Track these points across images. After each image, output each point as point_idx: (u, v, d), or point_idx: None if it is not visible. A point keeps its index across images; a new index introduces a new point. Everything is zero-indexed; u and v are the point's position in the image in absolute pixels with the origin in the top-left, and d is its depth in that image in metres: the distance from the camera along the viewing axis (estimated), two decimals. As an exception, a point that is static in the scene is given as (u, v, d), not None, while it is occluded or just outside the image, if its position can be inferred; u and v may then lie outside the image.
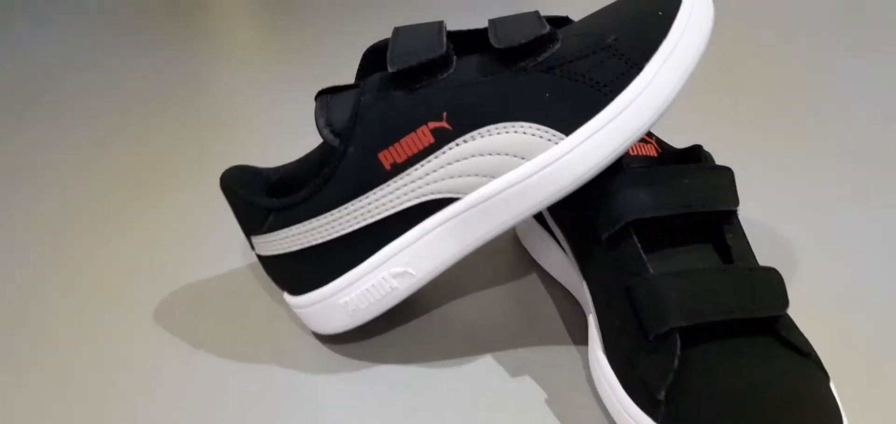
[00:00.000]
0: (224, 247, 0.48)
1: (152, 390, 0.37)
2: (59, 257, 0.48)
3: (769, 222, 0.48)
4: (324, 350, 0.39)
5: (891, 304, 0.40)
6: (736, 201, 0.35)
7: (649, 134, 0.40)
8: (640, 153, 0.39)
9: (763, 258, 0.41)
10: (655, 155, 0.39)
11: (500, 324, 0.41)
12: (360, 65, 0.37)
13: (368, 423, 0.35)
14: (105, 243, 0.49)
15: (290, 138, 0.62)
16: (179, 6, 0.95)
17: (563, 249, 0.42)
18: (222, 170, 0.47)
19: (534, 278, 0.44)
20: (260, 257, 0.38)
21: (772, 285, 0.32)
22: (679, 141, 0.50)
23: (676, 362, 0.30)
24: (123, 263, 0.47)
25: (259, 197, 0.36)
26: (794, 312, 0.39)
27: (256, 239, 0.37)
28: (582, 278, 0.37)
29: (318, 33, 0.86)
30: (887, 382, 0.36)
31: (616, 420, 0.33)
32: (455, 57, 0.35)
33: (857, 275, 0.43)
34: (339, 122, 0.34)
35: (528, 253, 0.46)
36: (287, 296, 0.38)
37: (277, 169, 0.41)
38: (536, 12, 0.35)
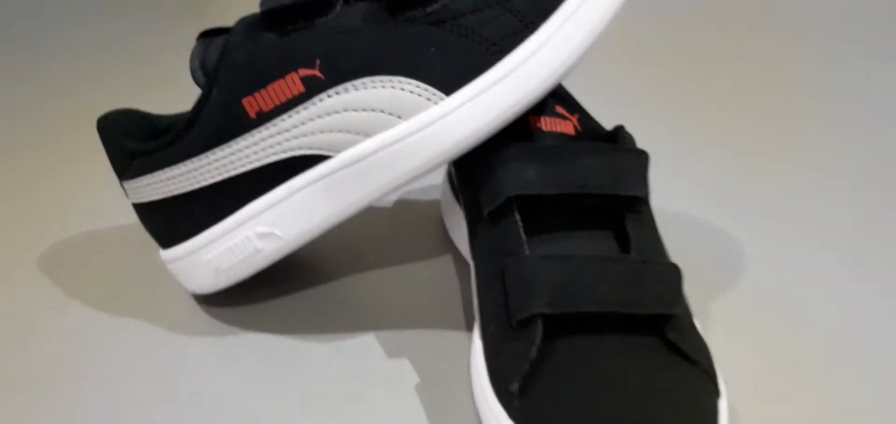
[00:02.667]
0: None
1: (18, 338, 0.35)
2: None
3: (723, 224, 0.44)
4: (198, 311, 0.37)
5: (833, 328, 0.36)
6: (643, 188, 0.31)
7: (572, 109, 0.37)
8: (554, 130, 0.35)
9: (706, 259, 0.37)
10: (573, 134, 0.35)
11: (395, 304, 0.37)
12: None
13: (223, 391, 0.32)
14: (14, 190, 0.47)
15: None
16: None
17: (471, 228, 0.38)
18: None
19: (448, 259, 0.41)
20: (134, 207, 0.36)
21: (665, 281, 0.29)
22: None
23: (535, 352, 0.27)
24: (20, 212, 0.45)
25: (125, 140, 0.34)
26: (722, 320, 0.36)
27: (126, 185, 0.34)
28: (470, 257, 0.34)
29: None
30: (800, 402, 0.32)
31: (479, 411, 0.30)
32: (343, 2, 0.31)
33: (806, 293, 0.39)
34: (211, 64, 0.32)
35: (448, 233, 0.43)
36: (160, 250, 0.36)
37: (168, 116, 0.38)
38: None
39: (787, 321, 0.36)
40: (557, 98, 0.36)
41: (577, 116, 0.36)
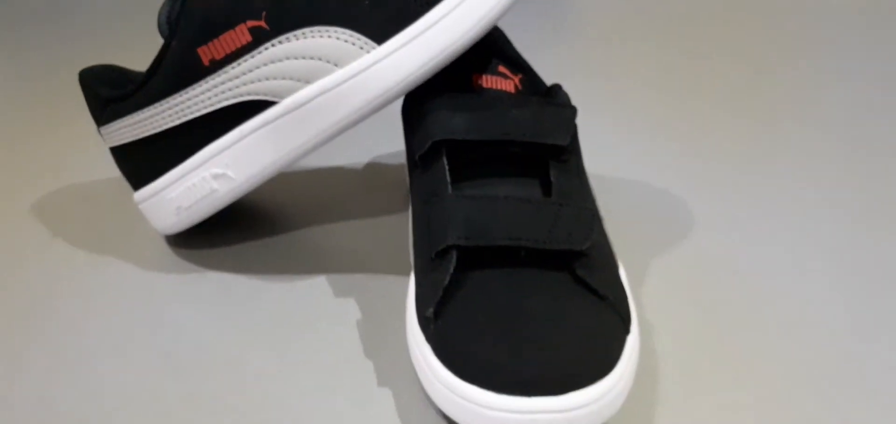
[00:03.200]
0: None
1: (4, 270, 0.39)
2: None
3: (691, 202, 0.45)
4: (168, 252, 0.40)
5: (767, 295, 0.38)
6: (565, 138, 0.33)
7: (516, 70, 0.39)
8: (494, 86, 0.37)
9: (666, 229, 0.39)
10: (513, 92, 0.37)
11: (350, 252, 0.40)
12: None
13: (183, 320, 0.35)
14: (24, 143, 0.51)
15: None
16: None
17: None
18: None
19: (406, 216, 0.44)
20: (110, 151, 0.39)
21: (577, 222, 0.31)
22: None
23: (447, 279, 0.29)
24: (21, 163, 0.49)
25: (101, 89, 0.37)
26: (663, 276, 0.38)
27: (102, 130, 0.38)
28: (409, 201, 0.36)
29: None
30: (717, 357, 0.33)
31: (410, 346, 0.32)
32: (291, -38, 0.34)
33: (746, 260, 0.40)
34: (174, 17, 0.35)
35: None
36: (134, 193, 0.39)
37: (142, 72, 0.41)
38: None
39: (725, 283, 0.37)
40: (502, 58, 0.38)
41: (519, 76, 0.38)
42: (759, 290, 0.37)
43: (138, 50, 0.67)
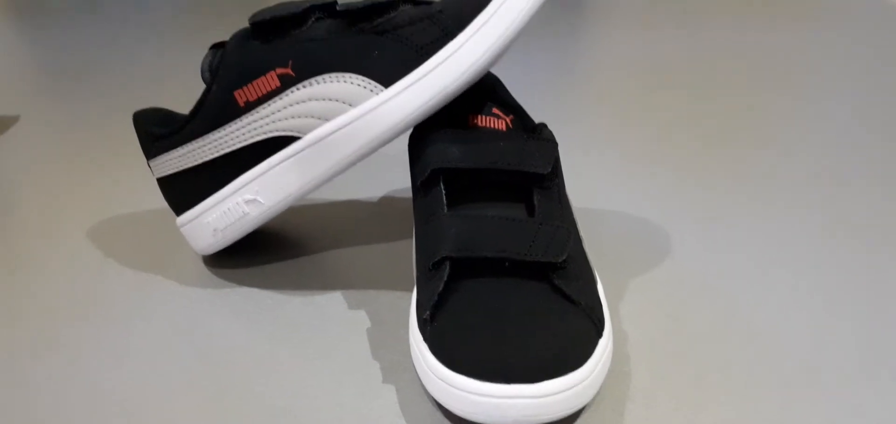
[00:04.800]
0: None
1: (64, 283, 0.44)
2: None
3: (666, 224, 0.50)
4: (205, 271, 0.45)
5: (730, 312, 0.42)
6: (546, 167, 0.38)
7: (507, 111, 0.44)
8: (490, 126, 0.43)
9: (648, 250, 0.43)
10: (504, 130, 0.43)
11: (362, 271, 0.45)
12: None
13: (217, 327, 0.40)
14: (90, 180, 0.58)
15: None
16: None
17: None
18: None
19: (411, 242, 0.49)
20: (157, 182, 0.45)
21: (554, 238, 0.36)
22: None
23: (442, 286, 0.34)
24: (78, 193, 0.55)
25: (151, 127, 0.43)
26: (639, 292, 0.42)
27: (151, 163, 0.44)
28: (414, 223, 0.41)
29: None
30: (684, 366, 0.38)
31: (411, 347, 0.37)
32: (316, 20, 0.40)
33: (718, 276, 0.44)
34: (214, 66, 0.41)
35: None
36: (176, 218, 0.45)
37: (186, 115, 0.47)
38: None
39: (694, 298, 0.42)
40: (496, 101, 0.44)
41: (511, 116, 0.44)
42: (723, 304, 0.41)
43: (175, 98, 0.74)
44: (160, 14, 1.03)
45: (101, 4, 1.07)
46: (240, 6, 1.06)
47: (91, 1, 1.09)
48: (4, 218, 0.52)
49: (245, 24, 0.97)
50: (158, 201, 0.54)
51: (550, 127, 0.64)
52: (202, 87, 0.76)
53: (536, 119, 0.67)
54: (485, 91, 0.43)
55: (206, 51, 0.86)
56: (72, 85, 0.77)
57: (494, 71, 0.79)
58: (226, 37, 0.93)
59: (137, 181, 0.57)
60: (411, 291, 0.43)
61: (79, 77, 0.79)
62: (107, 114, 0.70)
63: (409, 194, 0.54)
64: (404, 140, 0.61)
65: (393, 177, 0.56)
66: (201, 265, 0.46)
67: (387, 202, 0.53)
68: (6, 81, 0.78)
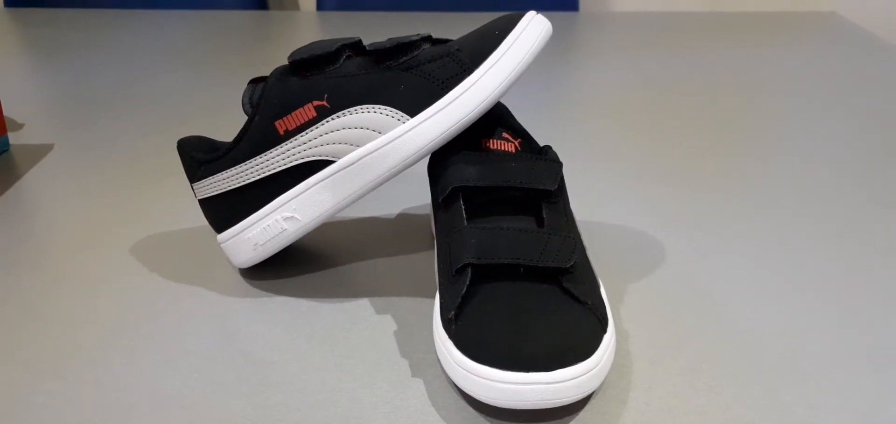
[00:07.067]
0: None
1: (114, 297, 0.49)
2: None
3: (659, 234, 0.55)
4: (242, 282, 0.50)
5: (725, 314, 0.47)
6: (553, 184, 0.43)
7: (516, 135, 0.49)
8: (501, 148, 0.48)
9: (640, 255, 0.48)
10: (513, 152, 0.48)
11: (386, 280, 0.50)
12: None
13: (256, 333, 0.45)
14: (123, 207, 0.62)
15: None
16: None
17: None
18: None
19: (429, 254, 0.54)
20: (199, 203, 0.50)
21: (562, 247, 0.41)
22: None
23: (465, 289, 0.39)
24: (125, 212, 0.60)
25: (195, 153, 0.48)
26: (638, 296, 0.47)
27: (194, 186, 0.49)
28: (434, 237, 0.46)
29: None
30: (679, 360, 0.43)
31: (436, 344, 0.41)
32: (346, 58, 0.45)
33: (714, 282, 0.49)
34: (255, 99, 0.46)
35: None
36: (217, 235, 0.49)
37: (228, 143, 0.52)
38: (418, 34, 0.46)
39: (688, 300, 0.47)
40: (506, 127, 0.49)
41: (519, 140, 0.49)
42: (714, 304, 0.46)
43: (199, 123, 0.79)
44: (165, 42, 1.08)
45: (112, 38, 1.12)
46: (246, 34, 1.12)
47: (100, 33, 1.14)
48: (49, 239, 0.56)
49: (255, 48, 1.02)
50: (190, 219, 0.58)
51: (553, 148, 0.69)
52: (223, 111, 0.81)
53: (541, 142, 0.73)
54: (495, 118, 0.49)
55: (218, 74, 0.91)
56: (99, 113, 0.82)
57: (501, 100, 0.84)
58: (237, 62, 0.98)
59: (168, 201, 0.62)
60: (431, 296, 0.48)
61: (109, 106, 0.84)
62: (133, 140, 0.75)
63: (426, 211, 0.59)
64: (419, 164, 0.66)
65: (410, 197, 0.61)
66: (239, 278, 0.51)
67: (405, 218, 0.58)
68: (37, 113, 0.83)
